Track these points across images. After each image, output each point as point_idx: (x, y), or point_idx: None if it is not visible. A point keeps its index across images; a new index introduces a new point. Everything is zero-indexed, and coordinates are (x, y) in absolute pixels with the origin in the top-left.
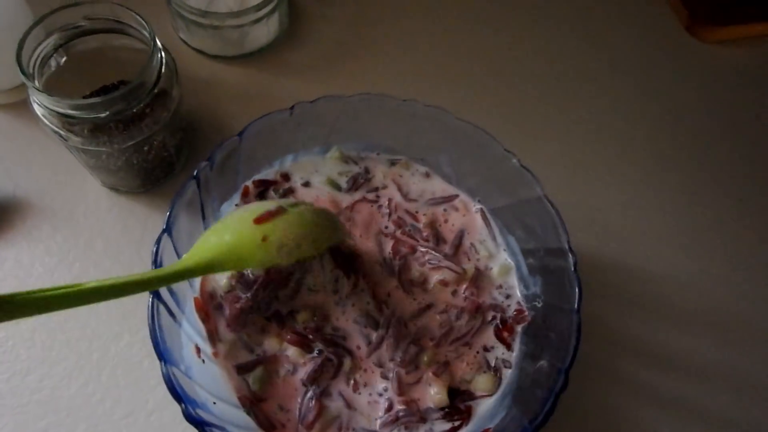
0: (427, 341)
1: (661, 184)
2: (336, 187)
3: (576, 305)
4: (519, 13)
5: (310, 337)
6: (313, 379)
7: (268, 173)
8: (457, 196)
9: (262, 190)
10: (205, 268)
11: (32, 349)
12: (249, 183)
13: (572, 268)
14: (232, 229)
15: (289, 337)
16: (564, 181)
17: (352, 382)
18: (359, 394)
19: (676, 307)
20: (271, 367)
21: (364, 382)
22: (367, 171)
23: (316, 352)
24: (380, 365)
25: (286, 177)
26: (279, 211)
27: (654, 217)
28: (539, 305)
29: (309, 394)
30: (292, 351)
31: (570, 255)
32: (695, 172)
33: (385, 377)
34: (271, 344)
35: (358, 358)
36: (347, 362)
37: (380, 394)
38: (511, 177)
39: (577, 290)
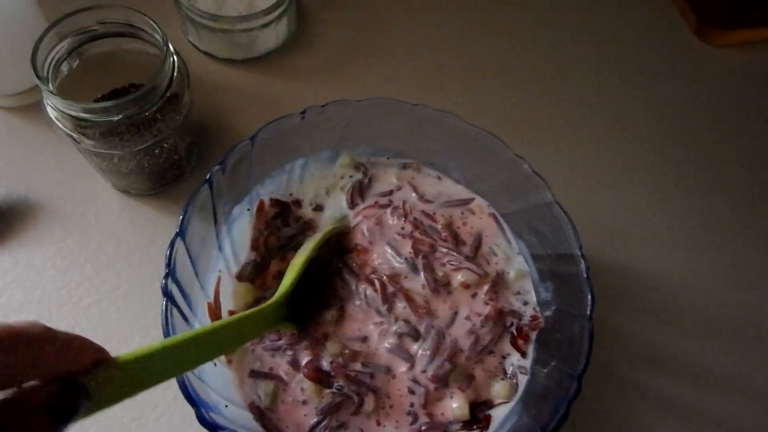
0: (461, 356)
1: (670, 188)
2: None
3: (588, 311)
4: (527, 18)
5: (332, 374)
6: (328, 412)
7: (280, 181)
8: (473, 199)
9: (278, 211)
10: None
11: None
12: (266, 199)
13: (584, 275)
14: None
15: (306, 371)
16: (571, 186)
17: (374, 420)
18: (383, 427)
19: (685, 311)
20: (282, 388)
21: (389, 415)
22: (365, 174)
23: (335, 388)
24: (414, 381)
25: (298, 204)
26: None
27: (662, 222)
28: (550, 311)
29: (323, 424)
30: (308, 384)
31: (582, 261)
32: (705, 177)
33: (412, 392)
34: (285, 369)
35: (385, 394)
36: (369, 401)
37: (408, 413)
38: (521, 182)
39: (589, 296)
